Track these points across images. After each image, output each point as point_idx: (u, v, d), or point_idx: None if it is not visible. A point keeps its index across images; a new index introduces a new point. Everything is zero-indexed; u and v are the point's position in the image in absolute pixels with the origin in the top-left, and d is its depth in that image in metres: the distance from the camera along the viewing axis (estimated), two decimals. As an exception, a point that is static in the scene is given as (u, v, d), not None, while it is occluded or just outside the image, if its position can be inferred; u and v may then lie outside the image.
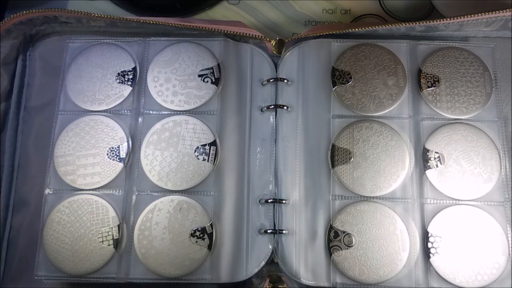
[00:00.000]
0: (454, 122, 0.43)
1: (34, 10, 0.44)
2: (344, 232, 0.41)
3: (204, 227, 0.41)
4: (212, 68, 0.45)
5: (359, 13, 0.53)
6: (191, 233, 0.41)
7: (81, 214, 0.41)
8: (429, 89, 0.44)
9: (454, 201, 0.41)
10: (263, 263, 0.41)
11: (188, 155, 0.42)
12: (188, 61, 0.45)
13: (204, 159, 0.42)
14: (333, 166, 0.42)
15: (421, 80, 0.44)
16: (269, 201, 0.42)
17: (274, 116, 0.44)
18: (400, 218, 0.41)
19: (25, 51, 0.47)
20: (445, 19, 0.43)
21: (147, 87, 0.44)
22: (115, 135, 0.43)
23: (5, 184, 0.44)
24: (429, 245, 0.40)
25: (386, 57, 0.44)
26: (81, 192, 0.42)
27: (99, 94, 0.44)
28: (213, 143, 0.43)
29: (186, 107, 0.44)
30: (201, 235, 0.41)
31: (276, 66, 0.45)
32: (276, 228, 0.42)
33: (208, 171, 0.42)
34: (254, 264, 0.41)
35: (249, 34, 0.44)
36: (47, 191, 0.42)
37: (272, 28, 0.53)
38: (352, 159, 0.42)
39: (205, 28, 0.44)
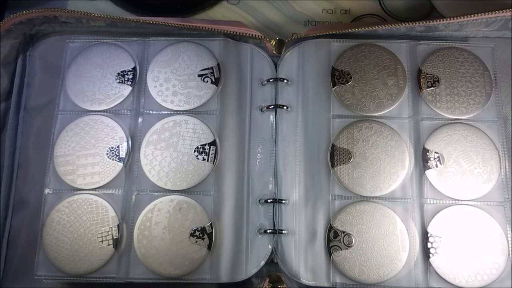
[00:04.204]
0: (454, 122, 0.43)
1: (34, 10, 0.44)
2: (343, 232, 0.41)
3: (204, 227, 0.41)
4: (212, 68, 0.45)
5: (359, 13, 0.53)
6: (191, 233, 0.41)
7: (80, 214, 0.41)
8: (429, 89, 0.44)
9: (453, 201, 0.41)
10: (263, 263, 0.41)
11: (188, 155, 0.42)
12: (188, 61, 0.45)
13: (204, 159, 0.42)
14: (333, 166, 0.42)
15: (421, 80, 0.44)
16: (269, 201, 0.42)
17: (274, 116, 0.44)
18: (399, 218, 0.41)
19: (25, 51, 0.47)
20: (445, 19, 0.43)
21: (147, 87, 0.44)
22: (115, 135, 0.43)
23: (5, 184, 0.44)
24: (429, 245, 0.40)
25: (386, 57, 0.44)
26: (81, 192, 0.42)
27: (99, 94, 0.44)
28: (213, 143, 0.43)
29: (186, 107, 0.44)
30: (200, 235, 0.41)
31: (276, 66, 0.45)
32: (276, 228, 0.42)
33: (207, 171, 0.42)
34: (253, 264, 0.41)
35: (249, 34, 0.44)
36: (46, 191, 0.42)
37: (272, 28, 0.53)
38: (352, 159, 0.42)
39: (205, 28, 0.44)
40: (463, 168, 0.41)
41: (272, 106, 0.44)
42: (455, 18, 0.43)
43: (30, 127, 0.46)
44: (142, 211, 0.41)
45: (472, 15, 0.42)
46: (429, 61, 0.44)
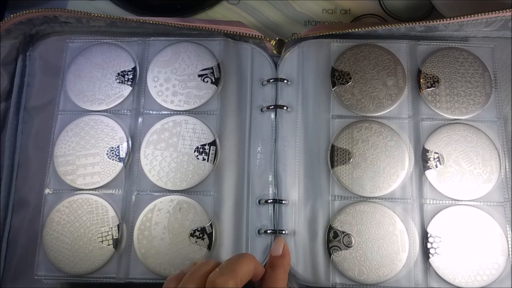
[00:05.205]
0: (453, 122, 0.43)
1: (34, 10, 0.44)
2: (343, 232, 0.41)
3: (204, 227, 0.41)
4: (212, 68, 0.45)
5: (359, 13, 0.53)
6: (191, 233, 0.41)
7: (80, 214, 0.41)
8: (428, 89, 0.44)
9: (453, 202, 0.41)
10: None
11: (188, 155, 0.42)
12: (188, 61, 0.45)
13: (204, 159, 0.42)
14: (332, 167, 0.42)
15: (421, 81, 0.44)
16: (269, 201, 0.42)
17: (274, 116, 0.44)
18: (399, 219, 0.41)
19: (25, 51, 0.47)
20: (445, 19, 0.43)
21: (147, 87, 0.44)
22: (115, 135, 0.43)
23: (5, 184, 0.44)
24: (429, 245, 0.40)
25: (386, 57, 0.44)
26: (81, 192, 0.42)
27: (99, 94, 0.44)
28: (213, 143, 0.43)
29: (186, 107, 0.44)
30: (200, 235, 0.41)
31: (276, 66, 0.45)
32: (276, 228, 0.42)
33: (207, 171, 0.42)
34: (253, 264, 0.41)
35: (249, 34, 0.44)
36: (47, 191, 0.43)
37: (272, 28, 0.53)
38: (351, 160, 0.42)
39: (205, 28, 0.44)
40: (463, 168, 0.41)
41: (272, 106, 0.44)
42: (455, 18, 0.43)
43: (30, 127, 0.46)
44: (142, 211, 0.41)
45: (472, 15, 0.42)
46: (429, 61, 0.44)
